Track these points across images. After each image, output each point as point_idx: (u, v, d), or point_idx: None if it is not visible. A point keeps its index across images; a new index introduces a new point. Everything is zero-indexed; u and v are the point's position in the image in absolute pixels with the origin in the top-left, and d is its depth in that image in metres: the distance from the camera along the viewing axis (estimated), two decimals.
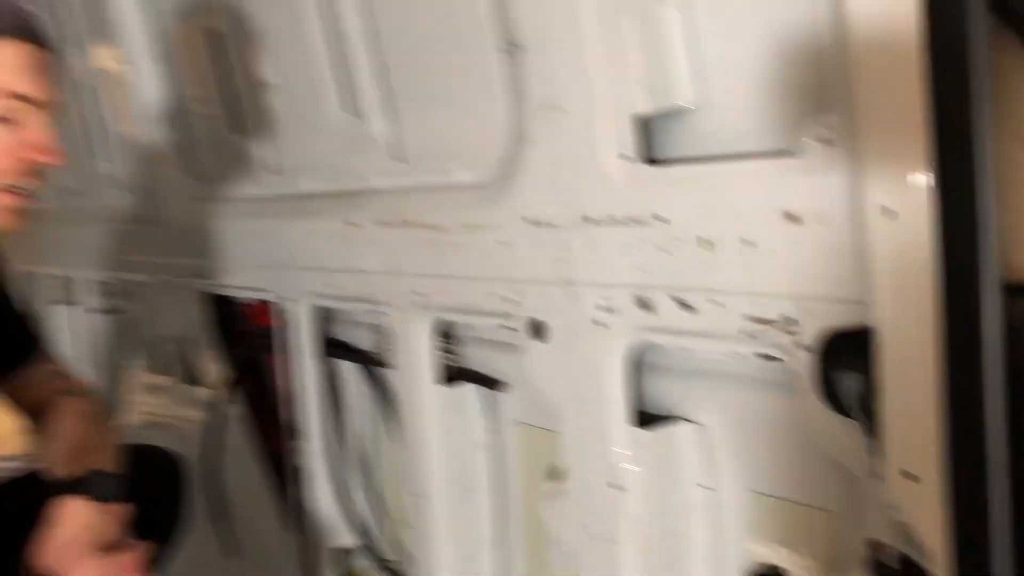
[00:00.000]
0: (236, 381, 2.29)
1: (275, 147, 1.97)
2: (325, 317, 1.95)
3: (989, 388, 0.77)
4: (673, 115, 1.20)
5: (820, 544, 1.17)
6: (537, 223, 1.34)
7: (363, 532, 2.02)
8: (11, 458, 2.07)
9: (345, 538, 2.00)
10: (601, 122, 1.22)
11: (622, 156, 1.21)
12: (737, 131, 1.13)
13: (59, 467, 1.36)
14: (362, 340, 1.93)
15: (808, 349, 1.03)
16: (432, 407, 1.65)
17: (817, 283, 1.01)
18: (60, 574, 1.23)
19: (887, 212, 0.87)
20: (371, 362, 1.89)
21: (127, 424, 2.77)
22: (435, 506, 1.66)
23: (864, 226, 0.90)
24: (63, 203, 3.03)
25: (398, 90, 1.62)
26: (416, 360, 1.64)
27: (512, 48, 1.32)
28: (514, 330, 1.42)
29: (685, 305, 1.16)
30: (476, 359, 1.66)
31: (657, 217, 1.17)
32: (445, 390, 1.64)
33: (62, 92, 1.25)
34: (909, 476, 0.90)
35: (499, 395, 1.65)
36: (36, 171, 1.22)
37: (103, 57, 2.49)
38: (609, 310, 1.26)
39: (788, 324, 1.05)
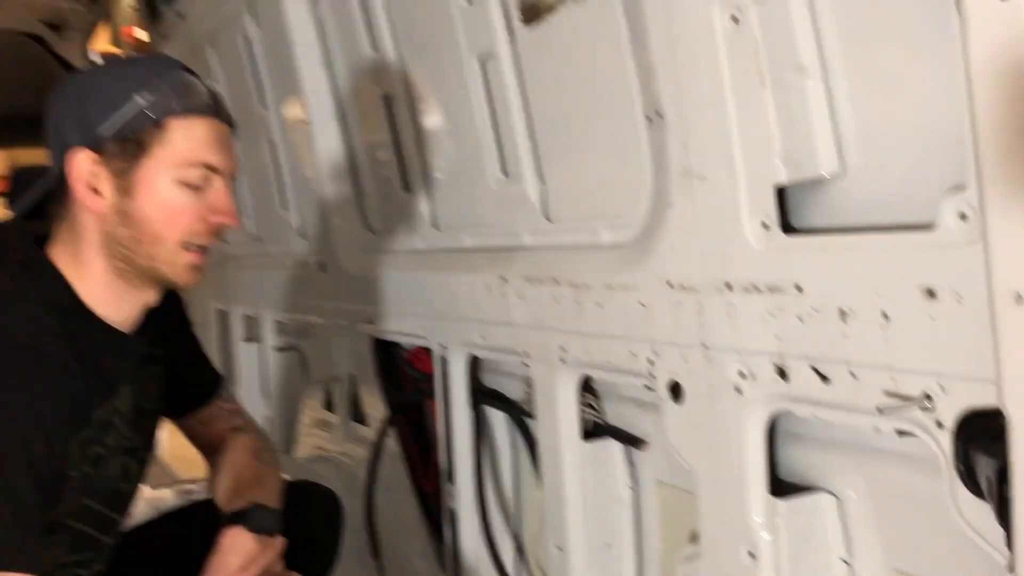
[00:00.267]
0: (397, 422, 2.41)
1: (438, 204, 2.09)
2: (479, 366, 2.03)
3: None
4: (813, 184, 1.20)
5: None
6: (677, 286, 1.36)
7: None
8: (199, 481, 2.25)
9: None
10: (742, 190, 1.24)
11: (762, 224, 1.22)
12: (876, 202, 1.12)
13: (226, 499, 1.50)
14: (513, 390, 1.99)
15: (946, 427, 1.00)
16: (574, 461, 1.68)
17: (954, 361, 0.98)
18: None
19: (1019, 299, 0.85)
20: (520, 412, 1.95)
21: (296, 457, 2.95)
22: (574, 558, 1.69)
23: (996, 309, 0.88)
24: (253, 249, 3.30)
25: (549, 153, 1.69)
26: (559, 413, 1.68)
27: (656, 117, 1.36)
28: (652, 390, 1.44)
29: (822, 376, 1.15)
30: (619, 415, 1.69)
31: (796, 286, 1.17)
32: (587, 445, 1.68)
33: (239, 160, 1.40)
34: None
35: (641, 453, 1.66)
36: (217, 231, 1.36)
37: (289, 113, 2.70)
38: (747, 376, 1.26)
39: (925, 400, 1.02)
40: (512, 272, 1.75)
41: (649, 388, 1.47)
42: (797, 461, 1.31)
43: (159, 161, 1.29)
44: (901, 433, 1.09)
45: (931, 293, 1.00)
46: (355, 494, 2.45)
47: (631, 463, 1.70)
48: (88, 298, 1.33)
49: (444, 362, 2.04)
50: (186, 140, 1.30)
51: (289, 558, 1.46)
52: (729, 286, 1.27)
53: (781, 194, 1.22)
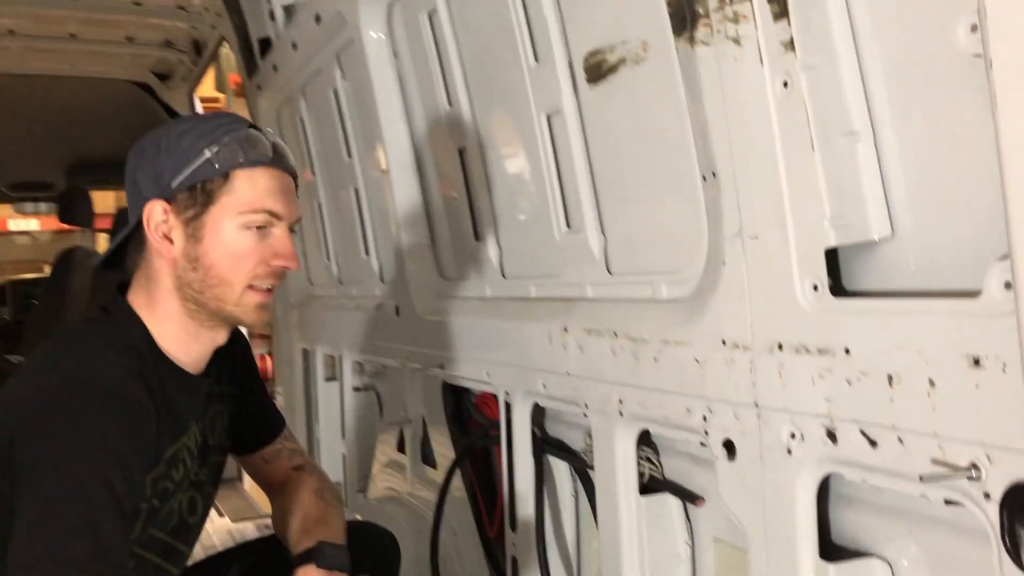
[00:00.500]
0: (464, 467, 2.44)
1: (506, 253, 2.13)
2: (543, 414, 2.05)
3: None
4: (864, 246, 1.20)
5: None
6: (731, 344, 1.37)
7: None
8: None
9: None
10: (793, 251, 1.24)
11: (813, 286, 1.22)
12: (926, 266, 1.12)
13: (295, 538, 1.56)
14: (576, 441, 2.01)
15: (993, 499, 0.98)
16: (631, 514, 1.68)
17: (1001, 431, 0.97)
18: None
19: None
20: (581, 463, 1.96)
21: (369, 498, 3.01)
22: None
23: None
24: (337, 291, 3.41)
25: (611, 206, 1.72)
26: (617, 466, 1.69)
27: (711, 176, 1.38)
28: (707, 446, 1.44)
29: (870, 440, 1.14)
30: (677, 470, 1.69)
31: (845, 348, 1.17)
32: (644, 499, 1.68)
33: (300, 207, 1.47)
34: None
35: (698, 509, 1.65)
36: (279, 273, 1.44)
37: (371, 162, 2.80)
38: (797, 437, 1.26)
39: (972, 470, 1.00)
40: (573, 323, 1.78)
41: (703, 444, 1.47)
42: (850, 525, 1.29)
43: (224, 208, 1.38)
44: (949, 502, 1.07)
45: (976, 361, 0.99)
46: (422, 536, 2.49)
47: (688, 519, 1.69)
48: (162, 340, 1.42)
49: (509, 409, 2.07)
50: (249, 189, 1.39)
51: None
52: (780, 346, 1.27)
53: (833, 256, 1.23)
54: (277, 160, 1.42)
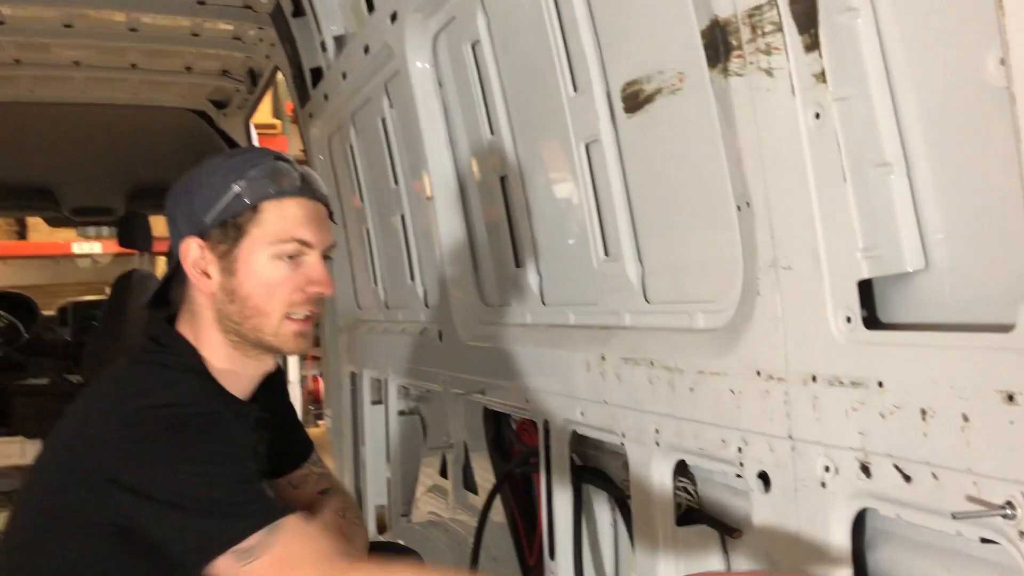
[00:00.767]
0: (504, 493, 2.44)
1: (546, 280, 2.15)
2: (583, 443, 2.05)
3: None
4: (898, 278, 1.18)
5: None
6: (765, 375, 1.36)
7: None
8: None
9: None
10: (826, 283, 1.23)
11: (846, 318, 1.21)
12: (960, 299, 1.10)
13: None
14: (614, 469, 2.00)
15: None
16: (667, 544, 1.67)
17: None
18: None
19: None
20: (619, 492, 1.95)
21: (412, 522, 3.03)
22: None
23: None
24: (383, 315, 3.45)
25: (648, 235, 1.72)
26: (654, 496, 1.68)
27: (745, 206, 1.38)
28: (741, 478, 1.43)
29: (904, 475, 1.12)
30: (714, 501, 1.67)
31: (878, 382, 1.15)
32: (681, 529, 1.66)
33: (333, 235, 1.51)
34: None
35: (735, 541, 1.64)
36: (315, 300, 1.47)
37: (417, 189, 2.84)
38: (831, 470, 1.24)
39: (1006, 508, 0.98)
40: (611, 351, 1.78)
41: (739, 476, 1.46)
42: (886, 561, 1.27)
43: (255, 240, 1.42)
44: (985, 540, 1.05)
45: (1011, 397, 0.97)
46: (463, 562, 2.49)
47: (726, 551, 1.67)
48: (213, 370, 1.47)
49: (547, 436, 2.07)
50: (278, 220, 1.43)
51: None
52: (814, 378, 1.26)
53: (868, 287, 1.22)
54: (305, 189, 1.46)
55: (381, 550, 1.72)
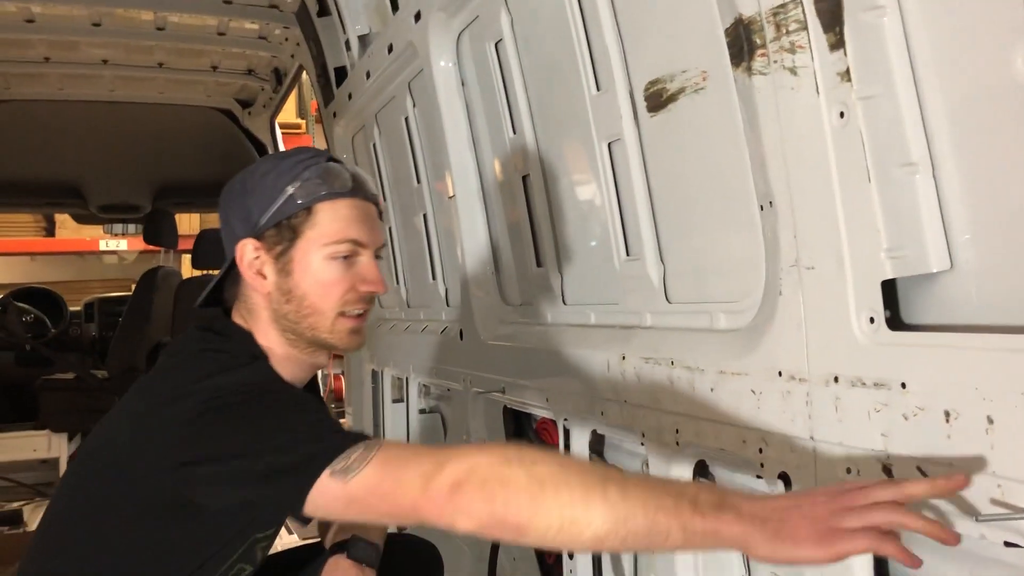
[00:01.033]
0: None
1: (567, 279, 2.14)
2: (603, 443, 2.04)
3: None
4: (923, 279, 1.17)
5: None
6: (787, 376, 1.35)
7: None
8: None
9: None
10: (849, 283, 1.22)
11: (869, 318, 1.20)
12: (986, 300, 1.09)
13: (332, 537, 1.67)
14: (635, 469, 1.99)
15: None
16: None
17: None
18: None
19: None
20: None
21: None
22: None
23: None
24: (405, 314, 3.46)
25: (670, 234, 1.72)
26: None
27: (768, 205, 1.37)
28: (762, 479, 1.42)
29: (927, 477, 1.11)
30: None
31: (901, 383, 1.14)
32: None
33: (384, 234, 1.53)
34: None
35: None
36: (368, 298, 1.50)
37: (439, 188, 2.85)
38: (853, 472, 1.23)
39: None
40: (631, 351, 1.77)
41: (759, 476, 1.45)
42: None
43: (310, 241, 1.45)
44: (1009, 544, 1.03)
45: None
46: (483, 560, 2.49)
47: (746, 556, 1.66)
48: (273, 361, 1.48)
49: (568, 435, 2.07)
50: (332, 220, 1.45)
51: None
52: (836, 379, 1.25)
53: (892, 288, 1.20)
54: (357, 190, 1.48)
55: (400, 541, 1.74)
